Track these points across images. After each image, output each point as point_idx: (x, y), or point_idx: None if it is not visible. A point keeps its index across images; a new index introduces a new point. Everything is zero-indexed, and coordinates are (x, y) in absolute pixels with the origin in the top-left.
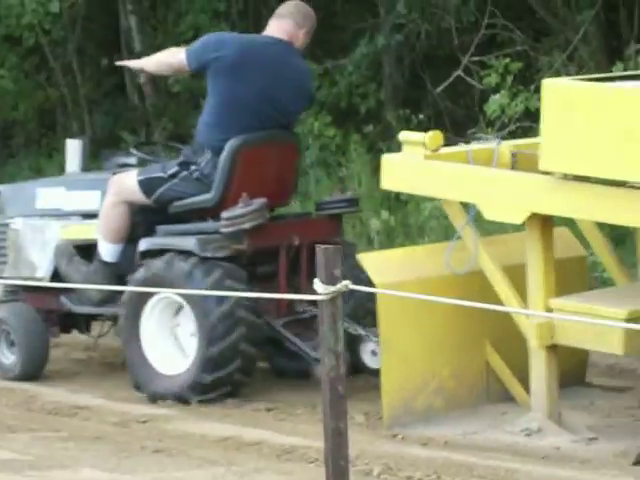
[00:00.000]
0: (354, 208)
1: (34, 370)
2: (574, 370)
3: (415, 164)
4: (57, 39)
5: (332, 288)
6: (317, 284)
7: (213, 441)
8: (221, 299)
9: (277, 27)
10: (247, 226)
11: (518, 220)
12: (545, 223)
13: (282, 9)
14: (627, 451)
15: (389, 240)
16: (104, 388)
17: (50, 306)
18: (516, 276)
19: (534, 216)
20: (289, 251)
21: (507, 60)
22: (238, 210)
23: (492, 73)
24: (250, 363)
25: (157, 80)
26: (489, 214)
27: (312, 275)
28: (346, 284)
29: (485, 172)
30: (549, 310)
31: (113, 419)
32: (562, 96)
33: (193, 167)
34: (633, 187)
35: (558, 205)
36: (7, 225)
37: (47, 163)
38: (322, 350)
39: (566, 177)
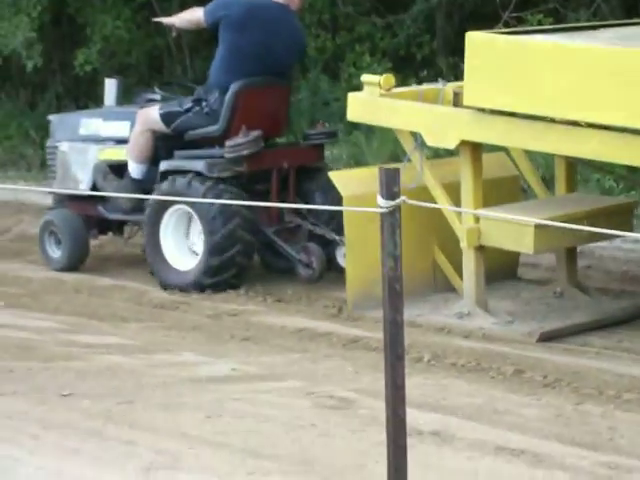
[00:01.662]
0: (333, 139)
1: (76, 263)
2: (507, 267)
3: (372, 100)
4: None
5: (391, 202)
6: (379, 199)
7: (290, 332)
8: (225, 217)
9: None
10: (246, 152)
11: (451, 146)
12: (474, 149)
13: None
14: (533, 331)
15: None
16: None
17: (89, 213)
18: (453, 191)
19: (464, 143)
20: (280, 173)
21: (540, 16)
22: (239, 139)
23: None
24: (248, 247)
25: None
26: (430, 141)
27: (297, 192)
28: (403, 199)
29: (425, 107)
30: (477, 219)
31: (208, 312)
32: (480, 46)
33: (204, 103)
34: (539, 119)
35: (479, 134)
36: (56, 147)
37: None
38: (382, 254)
39: (484, 111)
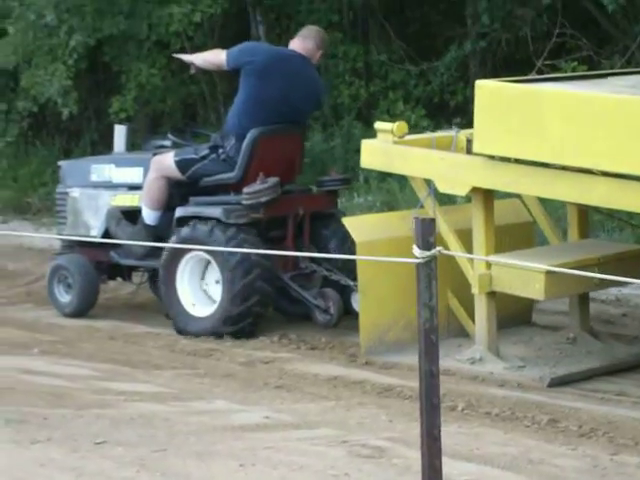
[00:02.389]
0: (346, 185)
1: (85, 308)
2: (521, 313)
3: (386, 147)
4: (198, 44)
5: (427, 253)
6: (415, 249)
7: (324, 380)
8: (243, 259)
9: (300, 45)
10: (264, 199)
11: (462, 192)
12: (486, 195)
13: (306, 31)
14: (544, 376)
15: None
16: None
17: (101, 258)
18: (466, 237)
19: (475, 190)
20: (295, 219)
21: (574, 64)
22: (257, 186)
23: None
24: (267, 298)
25: None
26: (442, 188)
27: (312, 238)
28: (439, 249)
29: (438, 154)
30: (489, 265)
31: (241, 359)
32: (490, 94)
33: (220, 150)
34: (548, 166)
35: (490, 181)
36: (67, 193)
37: None
38: (418, 305)
39: (494, 158)
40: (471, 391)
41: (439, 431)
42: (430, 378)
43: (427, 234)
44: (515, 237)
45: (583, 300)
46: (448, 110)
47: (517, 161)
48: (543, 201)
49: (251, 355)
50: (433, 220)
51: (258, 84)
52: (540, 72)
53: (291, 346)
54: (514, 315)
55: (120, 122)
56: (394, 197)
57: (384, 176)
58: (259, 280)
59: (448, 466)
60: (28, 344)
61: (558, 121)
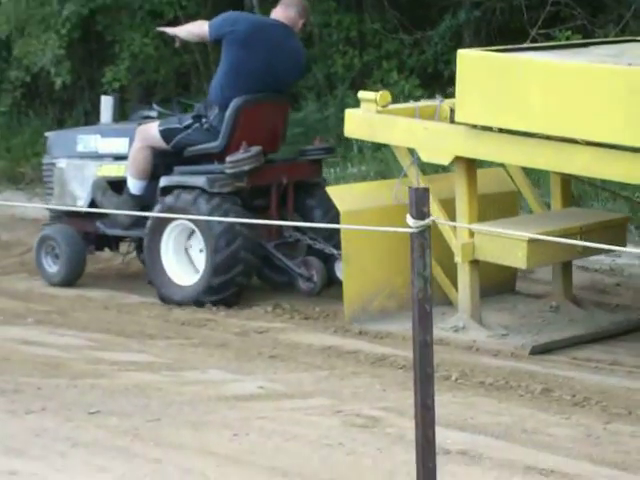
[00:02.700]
0: (330, 154)
1: (73, 278)
2: (505, 281)
3: (369, 117)
4: (191, 13)
5: (421, 222)
6: (408, 219)
7: (318, 349)
8: (227, 227)
9: (283, 13)
10: (247, 168)
11: (445, 161)
12: (468, 164)
13: (288, 0)
14: (526, 344)
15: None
16: (227, 303)
17: (88, 229)
18: (449, 206)
19: (458, 159)
20: (279, 188)
21: (568, 33)
22: (240, 155)
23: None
24: (250, 268)
25: None
26: (424, 157)
27: (296, 207)
28: (433, 219)
29: (421, 124)
30: (472, 234)
31: (235, 329)
32: (471, 63)
33: (204, 120)
34: (530, 136)
35: (472, 150)
36: (54, 164)
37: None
38: (412, 274)
39: (475, 127)
40: (465, 361)
41: (433, 401)
42: (424, 348)
43: (421, 203)
44: (499, 206)
45: (566, 268)
46: (442, 80)
47: (500, 130)
48: (528, 171)
49: (245, 325)
50: (427, 189)
51: (240, 54)
52: (534, 41)
53: (285, 316)
54: (498, 283)
55: (112, 92)
56: (388, 167)
57: (378, 146)
58: (242, 250)
59: (441, 435)
60: (22, 314)
61: (539, 90)
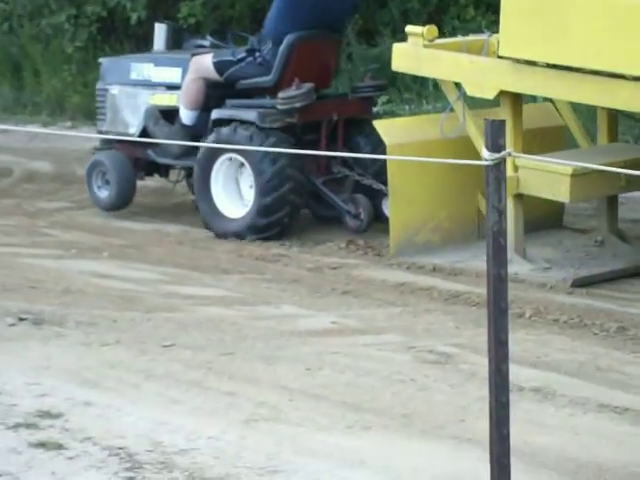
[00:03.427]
0: (382, 92)
1: (123, 203)
2: (552, 216)
3: (416, 51)
4: None
5: (497, 155)
6: (484, 151)
7: (391, 286)
8: (274, 159)
9: None
10: (299, 105)
11: (490, 96)
12: (514, 99)
13: None
14: (568, 277)
15: None
16: (301, 240)
17: (138, 155)
18: None
19: (503, 93)
20: (329, 124)
21: None
22: (292, 92)
23: None
24: (299, 185)
25: None
26: (470, 91)
27: (345, 144)
28: (509, 152)
29: (466, 58)
30: (516, 167)
31: (309, 265)
32: None
33: (257, 54)
34: (575, 71)
35: (517, 84)
36: (107, 90)
37: None
38: (487, 207)
39: (520, 62)
40: (539, 298)
41: (506, 336)
42: (498, 282)
43: (497, 136)
44: (546, 141)
45: (611, 203)
46: None
47: (548, 65)
48: (576, 106)
49: (319, 261)
50: (503, 122)
51: None
52: None
53: (358, 252)
54: (545, 218)
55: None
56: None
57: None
58: (291, 194)
59: (515, 372)
60: (98, 248)
61: (582, 24)
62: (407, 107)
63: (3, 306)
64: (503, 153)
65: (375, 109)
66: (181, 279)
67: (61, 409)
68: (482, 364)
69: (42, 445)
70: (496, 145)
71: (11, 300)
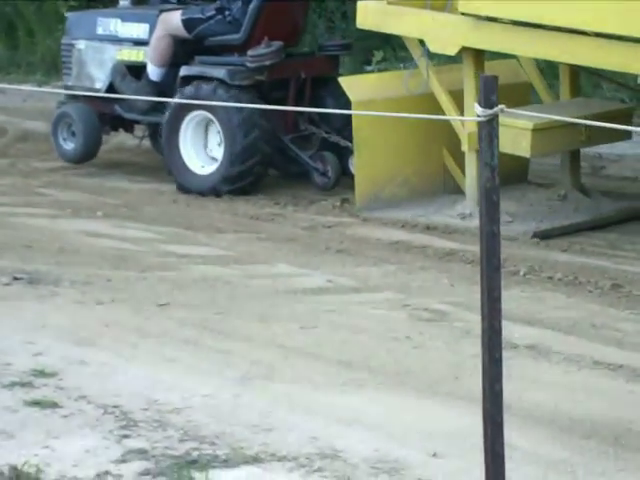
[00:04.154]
0: (348, 51)
1: (88, 155)
2: (517, 171)
3: (381, 8)
4: None
5: (489, 111)
6: (477, 107)
7: (386, 244)
8: (241, 109)
9: None
10: (268, 63)
11: (452, 52)
12: (476, 55)
13: None
14: (529, 230)
15: None
16: (296, 199)
17: (104, 110)
18: (458, 97)
19: (465, 49)
20: (297, 82)
21: None
22: (261, 50)
23: None
24: (266, 158)
25: None
26: (432, 48)
27: (312, 101)
28: (501, 107)
29: (429, 14)
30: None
31: (303, 224)
32: None
33: (227, 12)
34: (535, 27)
35: (478, 41)
36: (73, 45)
37: None
38: (480, 164)
39: (481, 18)
40: (533, 256)
41: (499, 292)
42: (491, 238)
43: (490, 92)
44: (511, 97)
45: (574, 157)
46: None
47: (513, 23)
48: (539, 62)
49: (313, 220)
50: (496, 77)
51: None
52: None
53: (352, 211)
54: (510, 173)
55: None
56: None
57: None
58: (260, 141)
59: (509, 330)
60: (92, 207)
61: None
62: (402, 65)
63: None
64: (496, 109)
65: (370, 67)
66: (176, 238)
67: (56, 368)
68: (476, 321)
69: (37, 404)
70: (489, 101)
71: (6, 260)
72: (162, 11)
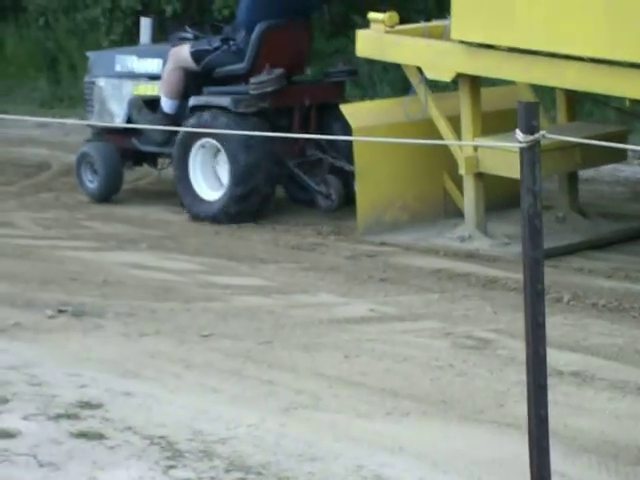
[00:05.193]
0: (354, 76)
1: (111, 192)
2: (516, 194)
3: (379, 37)
4: None
5: (531, 137)
6: (518, 134)
7: (428, 272)
8: (249, 148)
9: None
10: (269, 89)
11: (448, 78)
12: (471, 81)
13: None
14: None
15: None
16: (338, 228)
17: (125, 145)
18: (456, 122)
19: (461, 75)
20: (302, 109)
21: None
22: (263, 77)
23: None
24: (271, 177)
25: None
26: (429, 74)
27: (318, 128)
28: (543, 133)
29: (424, 42)
30: (476, 148)
31: (345, 253)
32: None
33: (232, 42)
34: (526, 53)
35: (471, 67)
36: (93, 83)
37: None
38: (522, 190)
39: (473, 45)
40: (577, 282)
41: (543, 318)
42: (534, 264)
43: (531, 118)
44: (509, 123)
45: (571, 180)
46: None
47: (510, 50)
48: (536, 87)
49: (355, 249)
50: (537, 104)
51: None
52: None
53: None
54: (508, 196)
55: (151, 15)
56: None
57: None
58: (262, 159)
59: (554, 357)
60: (136, 240)
61: (527, 7)
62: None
63: (43, 298)
64: (537, 135)
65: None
66: (218, 269)
67: (101, 399)
68: (520, 349)
69: (83, 435)
70: (530, 127)
71: (51, 292)
72: (173, 46)
